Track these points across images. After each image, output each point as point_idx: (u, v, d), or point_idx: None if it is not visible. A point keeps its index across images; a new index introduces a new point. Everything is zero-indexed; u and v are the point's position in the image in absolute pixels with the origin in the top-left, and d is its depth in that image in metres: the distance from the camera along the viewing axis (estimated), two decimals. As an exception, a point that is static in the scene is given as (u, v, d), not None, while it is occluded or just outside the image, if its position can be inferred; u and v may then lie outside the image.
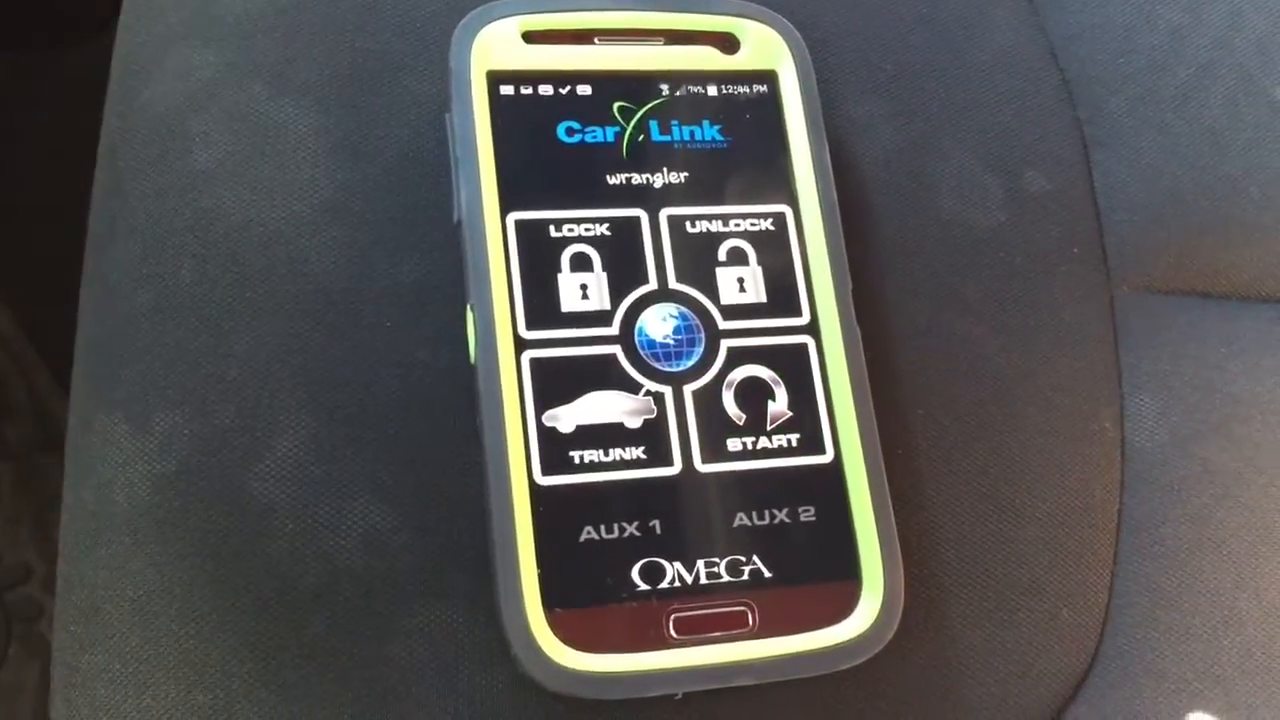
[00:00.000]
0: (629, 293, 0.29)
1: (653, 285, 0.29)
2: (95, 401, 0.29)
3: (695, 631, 0.26)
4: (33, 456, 0.62)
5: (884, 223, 0.33)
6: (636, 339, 0.28)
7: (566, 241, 0.29)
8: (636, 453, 0.28)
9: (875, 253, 0.32)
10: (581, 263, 0.29)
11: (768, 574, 0.27)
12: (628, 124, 0.30)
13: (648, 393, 0.28)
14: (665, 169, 0.30)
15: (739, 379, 0.29)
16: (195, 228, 0.30)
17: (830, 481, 0.28)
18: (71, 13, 0.61)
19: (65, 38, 0.62)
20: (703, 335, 0.29)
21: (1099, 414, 0.32)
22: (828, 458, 0.28)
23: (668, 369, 0.28)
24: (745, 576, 0.27)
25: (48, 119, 0.62)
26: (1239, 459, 0.33)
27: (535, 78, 0.30)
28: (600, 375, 0.28)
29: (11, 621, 0.59)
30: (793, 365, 0.29)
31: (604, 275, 0.29)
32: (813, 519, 0.28)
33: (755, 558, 0.27)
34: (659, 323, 0.29)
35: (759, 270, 0.30)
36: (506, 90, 0.30)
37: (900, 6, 0.36)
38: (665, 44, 0.31)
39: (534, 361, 0.28)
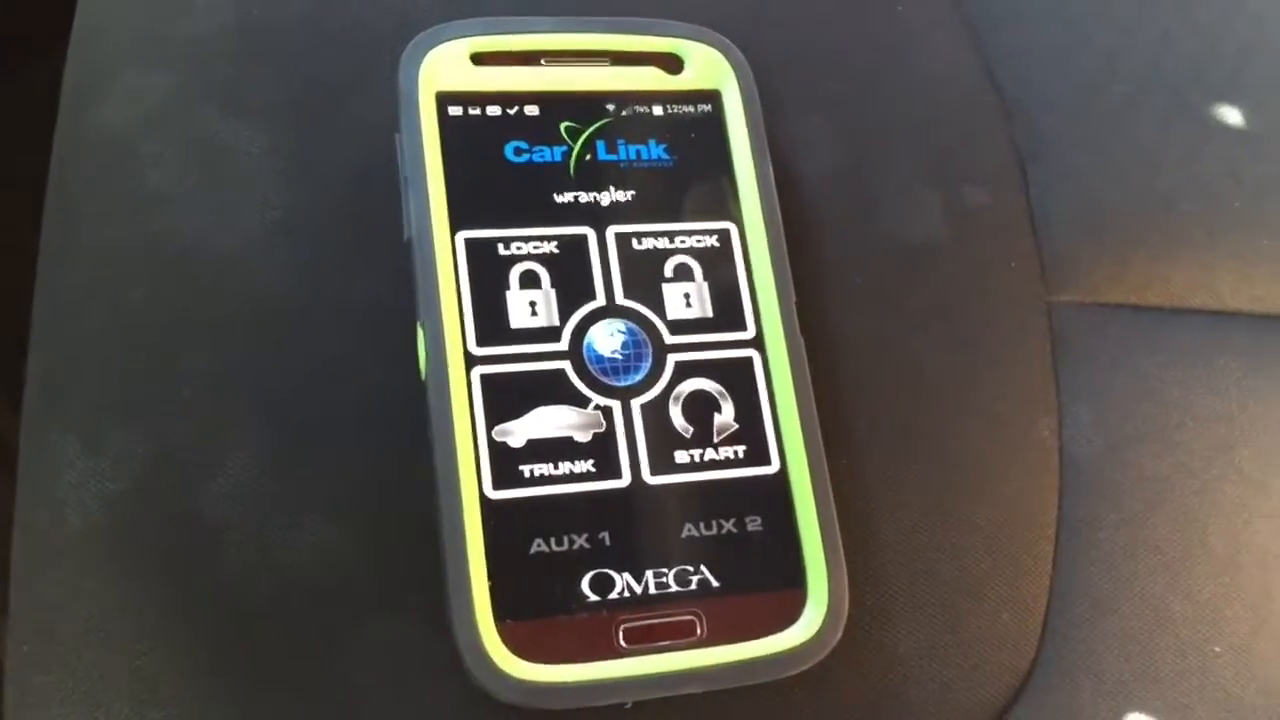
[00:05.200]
0: (577, 309, 0.29)
1: (601, 301, 0.30)
2: (48, 422, 0.29)
3: (644, 641, 0.27)
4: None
5: (827, 238, 0.34)
6: (585, 354, 0.29)
7: (515, 259, 0.29)
8: (586, 466, 0.28)
9: (818, 267, 0.33)
10: (530, 280, 0.29)
11: (715, 583, 0.28)
12: (575, 143, 0.31)
13: (596, 407, 0.29)
14: (612, 187, 0.31)
15: (686, 392, 0.29)
16: (147, 249, 0.30)
17: (776, 492, 0.29)
18: (18, 33, 0.61)
19: (11, 58, 0.62)
20: (650, 350, 0.29)
21: (1037, 423, 0.33)
22: (773, 469, 0.29)
23: (616, 383, 0.29)
24: (693, 586, 0.28)
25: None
26: (1171, 464, 0.33)
27: (483, 98, 0.30)
28: (550, 390, 0.28)
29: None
30: (739, 378, 0.30)
31: (553, 292, 0.29)
32: (759, 529, 0.28)
33: (703, 567, 0.28)
34: (607, 338, 0.29)
35: (705, 286, 0.30)
36: (455, 111, 0.30)
37: (842, 27, 0.37)
38: (611, 65, 0.32)
39: (484, 377, 0.28)
